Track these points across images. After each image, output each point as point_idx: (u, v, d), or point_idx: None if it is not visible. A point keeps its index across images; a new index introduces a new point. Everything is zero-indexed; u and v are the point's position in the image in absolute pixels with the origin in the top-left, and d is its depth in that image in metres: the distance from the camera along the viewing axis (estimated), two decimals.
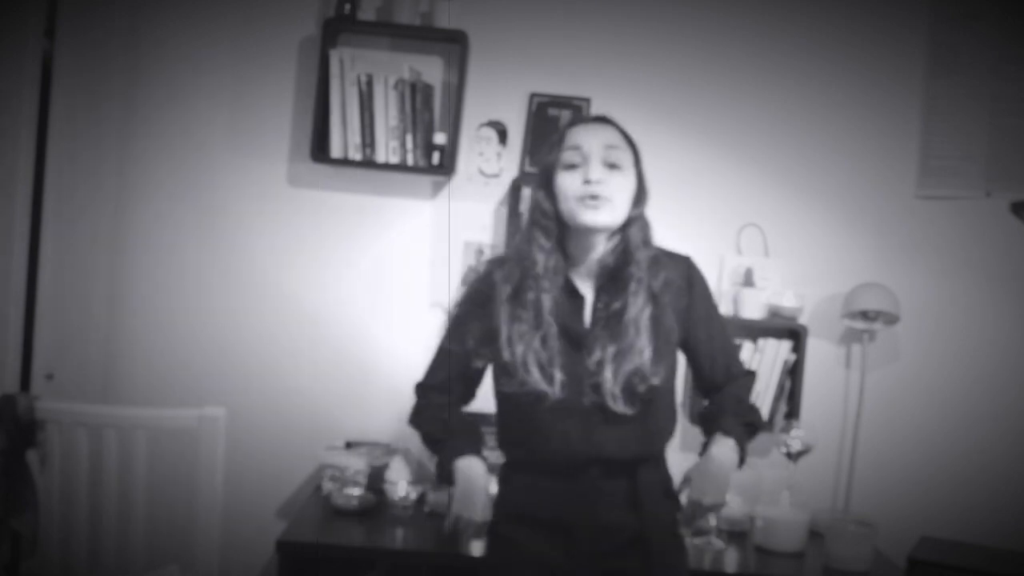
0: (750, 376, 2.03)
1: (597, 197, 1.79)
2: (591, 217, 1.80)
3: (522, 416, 1.84)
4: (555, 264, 1.84)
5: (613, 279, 1.85)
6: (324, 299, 2.97)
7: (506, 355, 1.80)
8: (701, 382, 2.00)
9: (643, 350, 1.79)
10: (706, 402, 2.01)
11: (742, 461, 1.88)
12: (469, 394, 2.00)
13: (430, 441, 1.99)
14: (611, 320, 1.82)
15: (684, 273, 1.92)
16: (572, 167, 1.82)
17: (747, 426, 1.92)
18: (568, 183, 1.82)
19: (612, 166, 1.82)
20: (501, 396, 1.88)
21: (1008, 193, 2.86)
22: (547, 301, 1.81)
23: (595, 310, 1.86)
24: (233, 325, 2.96)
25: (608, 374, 1.78)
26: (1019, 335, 2.96)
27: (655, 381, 1.80)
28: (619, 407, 1.78)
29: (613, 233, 1.86)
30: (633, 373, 1.78)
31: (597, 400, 1.79)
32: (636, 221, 1.86)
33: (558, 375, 1.79)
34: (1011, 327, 2.96)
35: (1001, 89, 2.90)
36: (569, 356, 1.81)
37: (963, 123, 2.92)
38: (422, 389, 2.01)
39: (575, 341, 1.83)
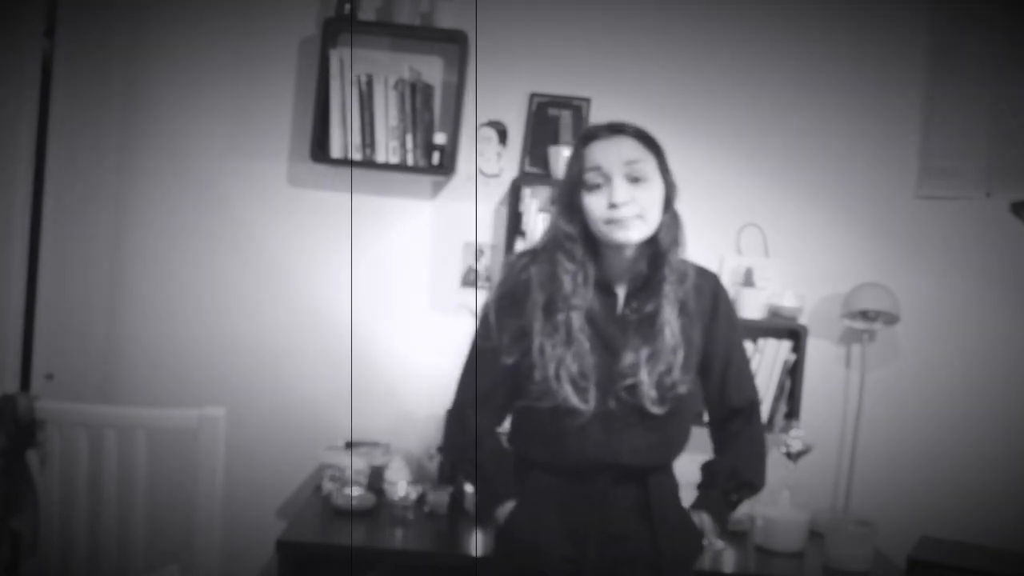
0: (756, 416, 1.99)
1: (626, 218, 1.77)
2: (623, 236, 1.78)
3: (544, 423, 1.82)
4: (584, 278, 1.82)
5: (646, 282, 1.85)
6: (324, 299, 2.97)
7: (538, 372, 1.79)
8: (708, 402, 1.98)
9: (676, 350, 1.80)
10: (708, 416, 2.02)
11: (723, 528, 1.96)
12: (503, 411, 1.95)
13: (465, 472, 1.99)
14: (643, 323, 1.81)
15: (711, 290, 1.92)
16: (595, 187, 1.79)
17: (737, 493, 1.95)
18: (594, 205, 1.78)
19: (636, 179, 1.79)
20: (529, 409, 1.83)
21: (1008, 193, 2.86)
22: (577, 319, 1.79)
23: (625, 312, 1.85)
24: (233, 325, 2.97)
25: (644, 376, 1.78)
26: (1019, 335, 2.96)
27: (682, 389, 1.81)
28: (656, 409, 1.78)
29: (645, 241, 1.84)
30: (665, 373, 1.79)
31: (629, 401, 1.79)
32: (666, 223, 1.84)
33: (592, 389, 1.78)
34: (1011, 327, 2.96)
35: (1001, 90, 2.90)
36: (601, 360, 1.80)
37: (963, 123, 2.92)
38: (456, 410, 1.95)
39: (607, 342, 1.82)
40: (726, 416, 1.97)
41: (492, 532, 1.93)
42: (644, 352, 1.79)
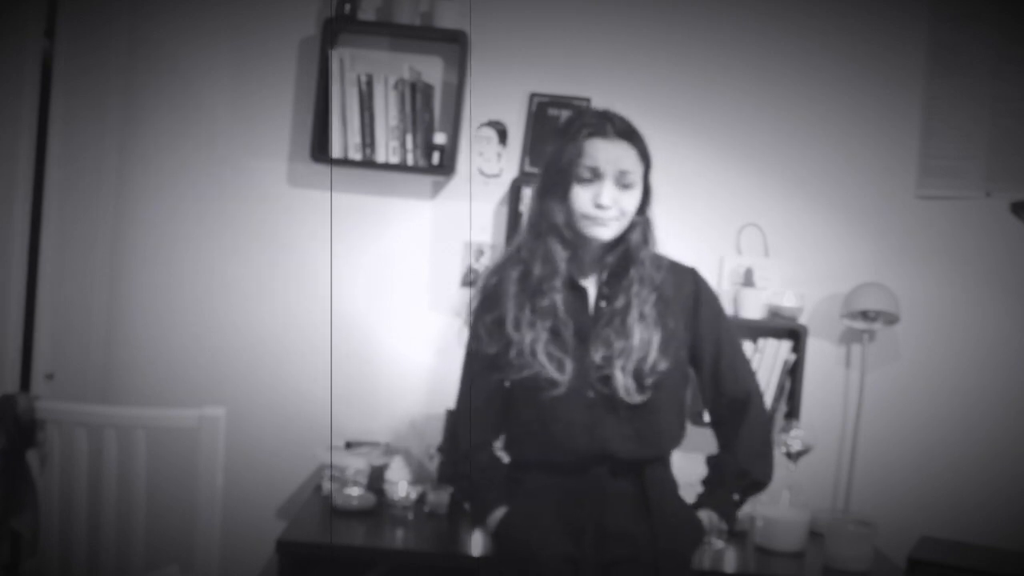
0: (758, 407, 1.98)
1: (607, 219, 1.84)
2: (597, 233, 1.85)
3: (528, 408, 1.85)
4: (563, 264, 1.87)
5: (616, 276, 1.89)
6: (324, 299, 2.97)
7: (514, 348, 1.83)
8: (704, 396, 2.00)
9: (649, 340, 1.83)
10: (707, 415, 2.03)
11: (731, 526, 1.98)
12: (497, 426, 1.96)
13: (459, 488, 2.00)
14: (615, 318, 1.85)
15: (691, 284, 1.95)
16: (585, 181, 1.84)
17: (746, 492, 1.96)
18: (579, 199, 1.84)
19: (625, 185, 1.85)
20: (512, 390, 1.87)
21: (1008, 193, 2.86)
22: (559, 299, 1.85)
23: (597, 305, 1.89)
24: (233, 325, 2.97)
25: (617, 371, 1.81)
26: (1019, 335, 2.96)
27: (662, 366, 1.83)
28: (633, 398, 1.81)
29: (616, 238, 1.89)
30: (641, 360, 1.82)
31: (605, 392, 1.82)
32: (638, 225, 1.90)
33: (568, 363, 1.82)
34: (1011, 327, 2.95)
35: (1001, 89, 2.90)
36: (575, 348, 1.84)
37: (963, 123, 2.92)
38: (451, 425, 1.99)
39: (580, 333, 1.85)
40: (725, 408, 1.98)
41: (489, 537, 1.94)
42: (617, 346, 1.82)
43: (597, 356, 1.83)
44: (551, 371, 1.81)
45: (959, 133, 2.93)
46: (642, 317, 1.84)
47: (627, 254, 1.89)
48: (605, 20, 2.95)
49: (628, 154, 1.85)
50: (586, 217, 1.84)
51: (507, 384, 1.88)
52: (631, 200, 1.86)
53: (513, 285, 1.87)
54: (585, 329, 1.86)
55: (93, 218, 2.90)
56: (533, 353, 1.82)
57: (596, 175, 1.83)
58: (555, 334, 1.83)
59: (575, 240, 1.87)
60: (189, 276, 2.97)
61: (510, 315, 1.85)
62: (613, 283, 1.89)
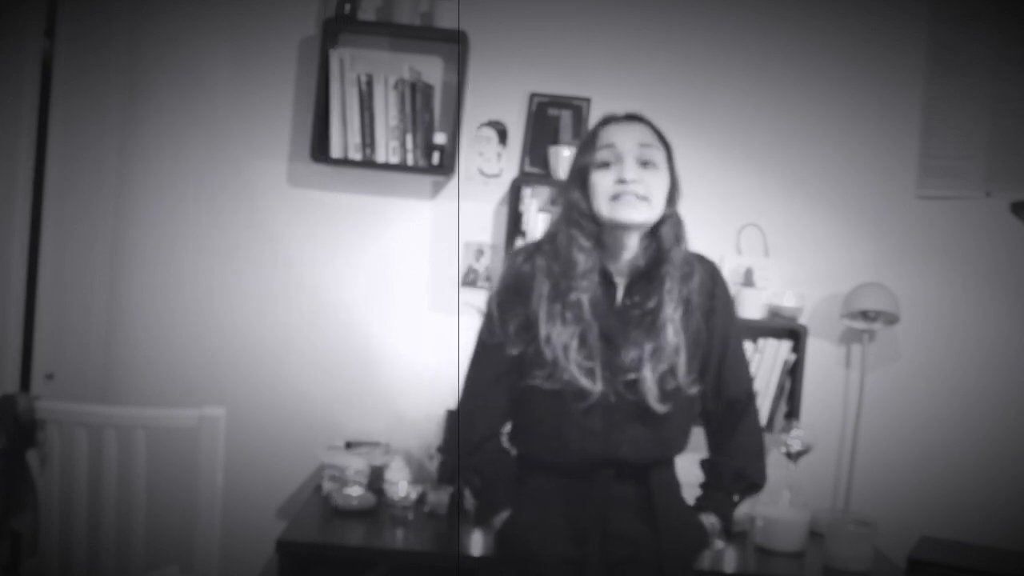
0: (753, 408, 1.98)
1: (633, 195, 1.79)
2: (627, 215, 1.79)
3: (544, 411, 1.82)
4: (593, 262, 1.82)
5: (647, 277, 1.84)
6: (324, 299, 2.97)
7: (547, 353, 1.78)
8: (703, 395, 1.96)
9: (679, 349, 1.80)
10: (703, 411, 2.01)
11: (730, 528, 1.98)
12: (506, 414, 1.92)
13: (464, 479, 1.96)
14: (645, 318, 1.81)
15: (710, 279, 1.92)
16: (605, 165, 1.81)
17: (743, 493, 1.97)
18: (602, 181, 1.81)
19: (646, 163, 1.81)
20: (533, 392, 1.82)
21: (1008, 193, 2.86)
22: (587, 301, 1.79)
23: (625, 305, 1.84)
24: (233, 325, 2.97)
25: (647, 372, 1.78)
26: (1019, 335, 2.96)
27: (692, 391, 1.82)
28: (658, 406, 1.78)
29: (646, 233, 1.85)
30: (668, 373, 1.79)
31: (630, 398, 1.78)
32: (669, 219, 1.86)
33: (598, 371, 1.77)
34: (1011, 327, 2.96)
35: (1001, 89, 2.90)
36: (602, 352, 1.80)
37: (963, 123, 2.92)
38: (466, 419, 1.92)
39: (605, 336, 1.81)
40: (722, 408, 1.95)
41: (492, 537, 1.93)
42: (647, 348, 1.79)
43: (626, 358, 1.78)
44: (583, 382, 1.76)
45: (959, 133, 2.93)
46: (673, 320, 1.80)
47: (659, 251, 1.84)
48: (605, 20, 2.95)
49: (644, 131, 1.84)
50: (612, 199, 1.79)
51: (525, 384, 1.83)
52: (656, 181, 1.81)
53: (544, 282, 1.82)
54: (611, 331, 1.81)
55: (93, 218, 2.90)
56: (566, 361, 1.77)
57: (616, 155, 1.80)
58: (582, 339, 1.78)
59: (602, 232, 1.82)
60: (189, 276, 2.97)
61: (542, 327, 1.79)
62: (643, 283, 1.84)
